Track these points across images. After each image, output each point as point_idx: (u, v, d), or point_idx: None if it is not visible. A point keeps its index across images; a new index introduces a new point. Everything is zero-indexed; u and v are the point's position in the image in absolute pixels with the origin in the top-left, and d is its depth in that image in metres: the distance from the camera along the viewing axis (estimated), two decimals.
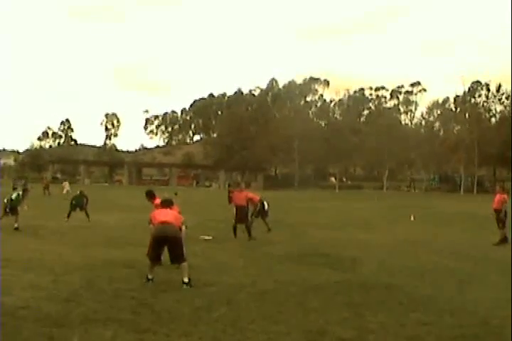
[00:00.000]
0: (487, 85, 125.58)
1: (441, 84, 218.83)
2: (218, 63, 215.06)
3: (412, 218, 35.55)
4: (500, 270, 16.30)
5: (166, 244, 13.13)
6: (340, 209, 45.98)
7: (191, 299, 11.32)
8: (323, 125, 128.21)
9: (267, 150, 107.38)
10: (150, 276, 13.04)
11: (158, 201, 15.62)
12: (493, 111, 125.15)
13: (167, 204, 14.17)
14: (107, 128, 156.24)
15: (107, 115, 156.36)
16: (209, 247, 19.97)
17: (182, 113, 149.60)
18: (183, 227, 13.67)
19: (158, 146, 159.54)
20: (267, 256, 18.42)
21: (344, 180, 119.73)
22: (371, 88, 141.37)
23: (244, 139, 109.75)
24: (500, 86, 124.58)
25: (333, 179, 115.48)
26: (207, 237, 22.92)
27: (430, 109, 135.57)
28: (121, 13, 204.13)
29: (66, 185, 59.11)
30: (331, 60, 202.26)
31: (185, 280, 12.74)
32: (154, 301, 11.05)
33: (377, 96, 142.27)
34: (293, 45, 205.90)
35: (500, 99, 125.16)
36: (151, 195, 17.00)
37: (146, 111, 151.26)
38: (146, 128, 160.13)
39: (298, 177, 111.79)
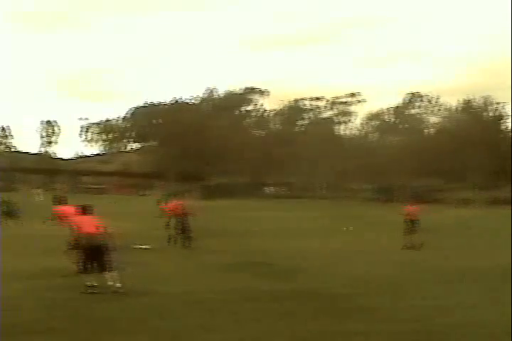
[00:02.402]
0: (426, 97, 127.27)
1: (380, 96, 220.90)
2: (158, 72, 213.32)
3: (349, 227, 35.91)
4: (436, 278, 16.60)
5: (94, 254, 13.11)
6: (278, 219, 46.17)
7: (128, 308, 11.35)
8: (260, 135, 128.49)
9: (205, 159, 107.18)
10: (86, 285, 13.02)
11: (68, 208, 15.54)
12: (430, 123, 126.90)
13: (87, 210, 14.08)
14: (43, 136, 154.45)
15: (43, 122, 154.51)
16: (146, 256, 19.97)
17: (124, 120, 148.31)
18: (110, 235, 13.63)
19: (96, 154, 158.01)
20: (204, 265, 18.50)
21: (281, 189, 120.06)
22: (309, 98, 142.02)
23: (183, 148, 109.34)
24: (437, 97, 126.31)
25: (269, 188, 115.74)
26: (144, 246, 22.88)
27: (368, 120, 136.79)
28: (67, 22, 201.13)
29: None
30: (272, 70, 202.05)
31: (115, 288, 12.77)
32: (91, 311, 11.06)
33: (315, 106, 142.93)
34: (234, 55, 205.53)
35: (437, 111, 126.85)
36: (60, 201, 16.83)
37: (85, 119, 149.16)
38: (83, 136, 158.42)
39: (235, 187, 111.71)
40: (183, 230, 23.95)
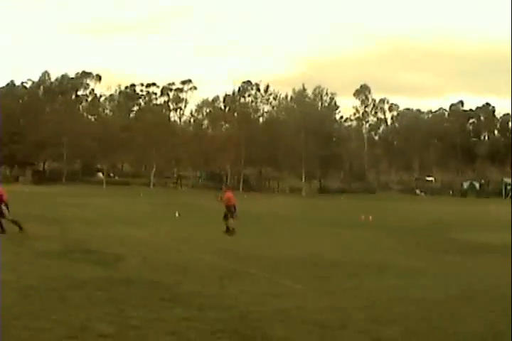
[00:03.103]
0: (257, 85, 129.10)
1: (213, 84, 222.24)
2: None
3: (177, 214, 36.11)
4: (261, 266, 17.05)
5: None
6: (107, 206, 45.91)
7: None
8: (93, 120, 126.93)
9: (35, 144, 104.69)
10: None
11: None
12: (261, 111, 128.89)
13: None
14: None
15: None
16: None
17: None
18: None
19: None
20: (31, 251, 18.26)
21: (112, 175, 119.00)
22: (142, 84, 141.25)
23: (14, 132, 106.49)
24: (268, 86, 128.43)
25: (100, 175, 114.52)
26: None
27: (200, 107, 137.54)
28: None
29: None
30: (106, 56, 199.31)
31: None
32: None
33: (148, 92, 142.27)
34: (70, 40, 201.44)
35: (268, 100, 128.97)
36: None
37: None
38: None
39: (66, 173, 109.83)
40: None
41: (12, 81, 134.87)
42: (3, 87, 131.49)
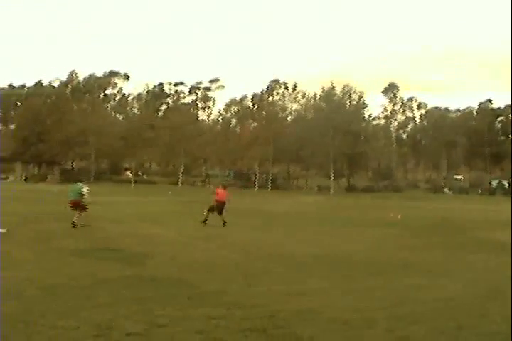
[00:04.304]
0: (285, 84, 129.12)
1: (241, 82, 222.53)
2: (19, 54, 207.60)
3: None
4: (287, 265, 17.05)
5: None
6: (134, 204, 46.09)
7: None
8: (121, 119, 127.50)
9: (63, 143, 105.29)
10: None
11: None
12: (289, 110, 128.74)
13: None
14: None
15: None
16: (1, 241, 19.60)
17: None
18: None
19: None
20: (58, 249, 18.34)
21: (140, 174, 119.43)
22: (170, 83, 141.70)
23: (41, 132, 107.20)
24: (296, 85, 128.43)
25: (128, 173, 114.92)
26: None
27: (228, 106, 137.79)
28: None
29: None
30: (135, 55, 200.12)
31: None
32: None
33: (176, 91, 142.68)
34: (97, 39, 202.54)
35: (296, 98, 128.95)
36: None
37: None
38: None
39: (94, 172, 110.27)
40: None
41: (40, 80, 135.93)
42: (31, 87, 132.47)
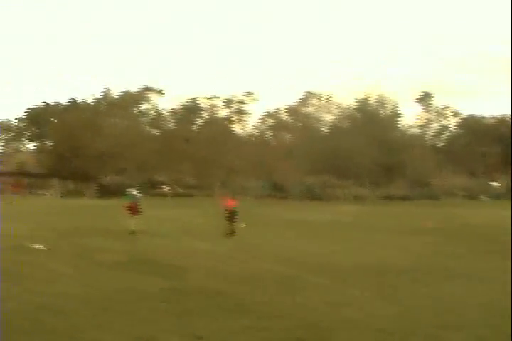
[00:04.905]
0: (319, 95, 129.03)
1: (275, 94, 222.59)
2: (55, 72, 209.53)
3: (243, 226, 36.00)
4: (330, 274, 16.93)
5: None
6: (171, 217, 46.05)
7: (23, 309, 11.21)
8: (155, 133, 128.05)
9: (98, 158, 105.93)
10: None
11: None
12: (324, 121, 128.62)
13: None
14: None
15: None
16: (41, 256, 19.70)
17: (21, 119, 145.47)
18: None
19: None
20: (97, 264, 18.37)
21: (176, 188, 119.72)
22: (204, 97, 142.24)
23: (76, 147, 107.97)
24: (330, 96, 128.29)
25: (165, 187, 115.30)
26: (39, 246, 22.54)
27: (262, 118, 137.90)
28: None
29: None
30: (167, 69, 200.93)
31: None
32: None
33: (210, 105, 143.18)
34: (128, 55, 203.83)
35: (330, 109, 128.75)
36: None
37: None
38: None
39: (130, 186, 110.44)
40: None
41: (74, 97, 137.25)
42: (66, 104, 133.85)
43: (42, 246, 22.57)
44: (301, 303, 12.58)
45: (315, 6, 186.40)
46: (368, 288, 14.59)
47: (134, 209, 28.50)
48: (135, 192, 30.19)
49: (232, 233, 29.98)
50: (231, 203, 32.09)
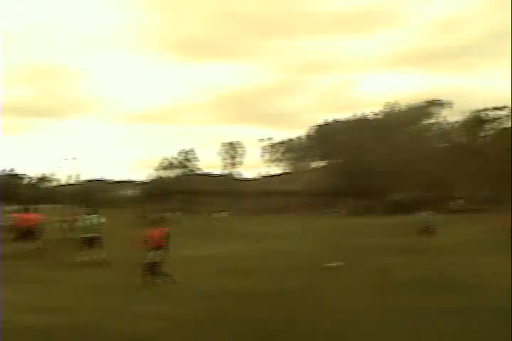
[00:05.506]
0: None
1: None
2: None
3: None
4: None
5: None
6: (467, 234, 44.95)
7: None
8: (442, 147, 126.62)
9: (390, 174, 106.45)
10: None
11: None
12: None
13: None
14: (224, 158, 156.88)
15: (226, 144, 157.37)
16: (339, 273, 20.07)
17: (307, 138, 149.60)
18: None
19: (277, 174, 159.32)
20: (392, 281, 18.40)
21: (460, 202, 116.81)
22: (491, 108, 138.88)
23: (363, 164, 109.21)
24: None
25: (455, 202, 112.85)
26: (335, 264, 22.99)
27: None
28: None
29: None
30: (452, 82, 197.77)
31: None
32: None
33: (497, 116, 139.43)
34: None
35: None
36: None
37: (268, 139, 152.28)
38: (266, 156, 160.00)
39: (418, 202, 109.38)
40: None
41: (359, 114, 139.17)
42: (351, 121, 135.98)
43: (340, 263, 23.00)
44: None
45: None
46: None
47: (425, 232, 28.71)
48: (424, 214, 30.50)
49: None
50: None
